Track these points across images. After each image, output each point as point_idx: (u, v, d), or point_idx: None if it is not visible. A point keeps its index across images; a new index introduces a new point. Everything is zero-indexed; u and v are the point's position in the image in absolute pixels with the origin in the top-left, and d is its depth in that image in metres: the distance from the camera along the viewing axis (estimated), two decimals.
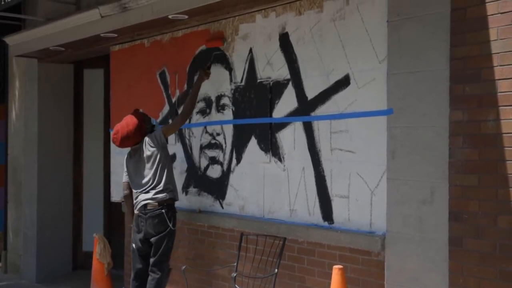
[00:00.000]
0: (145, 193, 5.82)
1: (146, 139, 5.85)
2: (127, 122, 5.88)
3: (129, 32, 6.99)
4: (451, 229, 4.19)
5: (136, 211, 5.89)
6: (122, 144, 5.90)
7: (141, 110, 6.14)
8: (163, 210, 5.75)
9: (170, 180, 5.89)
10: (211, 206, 6.37)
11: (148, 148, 5.83)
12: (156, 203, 5.77)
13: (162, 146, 5.85)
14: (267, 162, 5.71)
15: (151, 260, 5.79)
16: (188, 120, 6.61)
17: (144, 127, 5.89)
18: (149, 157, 5.82)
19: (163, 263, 5.80)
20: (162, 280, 5.78)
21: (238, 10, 5.78)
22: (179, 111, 6.54)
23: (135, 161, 5.93)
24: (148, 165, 5.83)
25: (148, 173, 5.82)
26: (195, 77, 6.43)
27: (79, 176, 9.15)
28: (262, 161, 5.76)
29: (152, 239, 5.78)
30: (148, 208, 5.78)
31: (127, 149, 6.10)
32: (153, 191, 5.79)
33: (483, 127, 4.05)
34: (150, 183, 5.82)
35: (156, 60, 7.06)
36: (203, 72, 6.21)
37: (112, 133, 6.00)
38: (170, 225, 5.77)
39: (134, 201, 5.93)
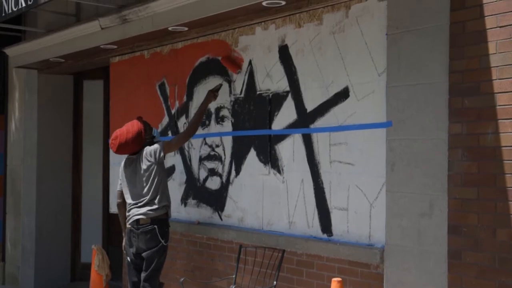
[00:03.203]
0: (138, 207, 5.71)
1: (144, 151, 5.74)
2: (128, 129, 5.76)
3: (129, 44, 7.01)
4: (450, 242, 4.18)
5: (128, 225, 5.81)
6: (118, 151, 5.79)
7: (145, 121, 6.00)
8: (155, 226, 5.66)
9: (165, 196, 5.78)
10: (210, 218, 6.36)
11: (145, 162, 5.71)
12: (149, 219, 5.67)
13: (159, 162, 5.73)
14: (266, 174, 5.71)
15: (143, 275, 5.71)
16: None
17: (144, 137, 5.78)
18: (145, 171, 5.70)
19: (155, 279, 5.72)
20: None
21: (237, 22, 5.80)
22: (183, 129, 6.53)
23: (131, 172, 5.82)
24: (143, 179, 5.72)
25: (143, 188, 5.71)
26: (194, 89, 6.44)
27: (78, 187, 9.14)
28: (261, 173, 5.76)
29: (144, 254, 5.70)
30: (141, 223, 5.68)
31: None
32: (147, 207, 5.68)
33: (482, 140, 4.05)
34: (144, 198, 5.70)
35: (156, 71, 7.08)
36: (212, 94, 6.08)
37: (110, 138, 5.88)
38: (162, 241, 5.68)
39: (127, 213, 5.84)
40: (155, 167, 5.70)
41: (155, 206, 5.69)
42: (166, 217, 5.78)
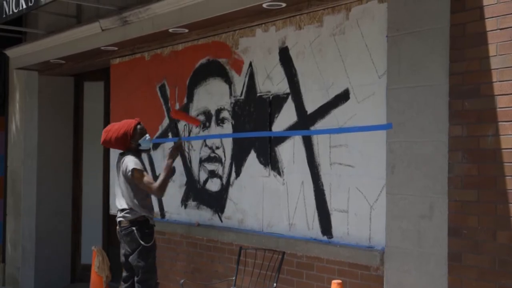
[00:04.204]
0: (120, 210, 5.76)
1: (125, 158, 5.71)
2: (118, 128, 5.78)
3: (129, 46, 7.02)
4: (450, 244, 4.18)
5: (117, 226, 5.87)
6: (103, 144, 5.91)
7: (139, 126, 5.82)
8: (134, 228, 5.65)
9: (142, 200, 5.70)
10: (210, 220, 6.36)
11: (122, 169, 5.72)
12: (128, 222, 5.69)
13: (128, 177, 5.66)
14: (266, 176, 5.71)
15: (136, 278, 5.70)
16: (188, 134, 6.62)
17: (129, 141, 5.74)
18: (123, 176, 5.71)
19: (149, 280, 5.70)
20: None
21: (238, 24, 5.81)
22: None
23: (116, 171, 5.87)
24: (121, 183, 5.74)
25: (122, 191, 5.74)
26: (194, 91, 6.43)
27: (78, 189, 9.14)
28: (261, 175, 5.75)
29: (130, 259, 5.71)
30: (122, 225, 5.73)
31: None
32: (125, 210, 5.71)
33: (482, 143, 4.05)
34: (122, 201, 5.73)
35: (156, 73, 7.08)
36: (175, 150, 5.76)
37: (105, 128, 5.92)
38: (143, 243, 5.63)
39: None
40: (126, 179, 5.70)
41: (130, 208, 5.70)
42: (144, 219, 5.72)
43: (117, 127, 5.80)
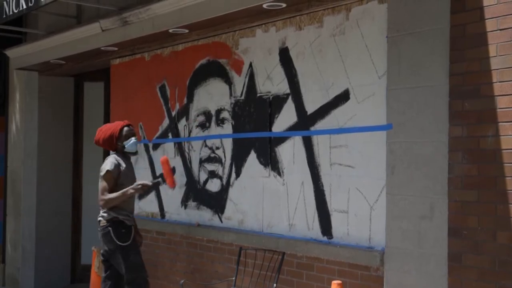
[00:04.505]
0: (100, 209, 5.79)
1: (107, 159, 5.77)
2: (106, 129, 5.84)
3: (129, 46, 7.02)
4: (451, 245, 4.18)
5: None
6: (95, 143, 5.95)
7: (126, 128, 5.81)
8: (109, 228, 5.66)
9: (111, 208, 5.67)
10: (210, 220, 6.36)
11: (101, 168, 5.76)
12: (105, 221, 5.70)
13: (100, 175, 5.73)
14: (266, 176, 5.71)
15: (125, 278, 5.70)
16: (188, 134, 6.63)
17: (115, 143, 5.78)
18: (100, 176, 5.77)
19: (136, 279, 5.68)
20: None
21: (238, 24, 5.81)
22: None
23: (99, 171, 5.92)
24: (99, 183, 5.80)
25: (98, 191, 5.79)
26: (195, 91, 6.43)
27: (78, 189, 9.15)
28: (262, 175, 5.76)
29: (107, 255, 5.72)
30: (100, 225, 5.75)
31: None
32: (101, 210, 5.74)
33: (482, 143, 4.05)
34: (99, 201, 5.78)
35: (156, 73, 7.08)
36: (142, 187, 5.69)
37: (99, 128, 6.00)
38: (118, 242, 5.62)
39: None
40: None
41: (104, 211, 5.72)
42: (118, 219, 5.72)
43: (106, 128, 5.89)
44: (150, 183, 5.81)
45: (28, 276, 8.96)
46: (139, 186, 5.67)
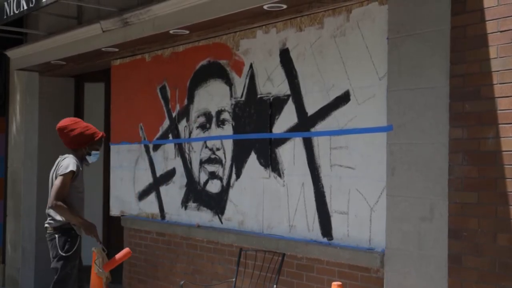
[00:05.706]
0: (47, 214, 5.75)
1: (68, 158, 5.71)
2: (88, 127, 5.83)
3: (130, 47, 7.02)
4: (451, 246, 4.18)
5: None
6: (59, 129, 5.83)
7: (102, 140, 5.97)
8: (56, 235, 5.66)
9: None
10: (210, 221, 6.35)
11: (57, 171, 5.72)
12: (52, 228, 5.70)
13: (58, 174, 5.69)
14: (266, 177, 5.71)
15: (55, 278, 5.67)
16: (188, 135, 6.63)
17: (84, 145, 5.80)
18: (56, 175, 5.72)
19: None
20: None
21: (239, 25, 5.81)
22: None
23: (52, 173, 5.86)
24: (51, 184, 5.76)
25: (50, 193, 5.73)
26: (195, 92, 6.43)
27: None
28: (262, 177, 5.76)
29: (51, 265, 5.71)
30: (48, 231, 5.75)
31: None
32: (50, 217, 5.73)
33: (483, 145, 4.05)
34: (47, 206, 5.74)
35: (157, 74, 7.08)
36: (94, 232, 5.89)
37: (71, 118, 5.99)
38: (61, 252, 5.63)
39: None
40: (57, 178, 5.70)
41: (51, 215, 5.70)
42: (70, 226, 5.71)
43: (86, 125, 5.87)
44: (96, 236, 5.88)
45: (28, 276, 8.96)
46: (91, 228, 5.77)
